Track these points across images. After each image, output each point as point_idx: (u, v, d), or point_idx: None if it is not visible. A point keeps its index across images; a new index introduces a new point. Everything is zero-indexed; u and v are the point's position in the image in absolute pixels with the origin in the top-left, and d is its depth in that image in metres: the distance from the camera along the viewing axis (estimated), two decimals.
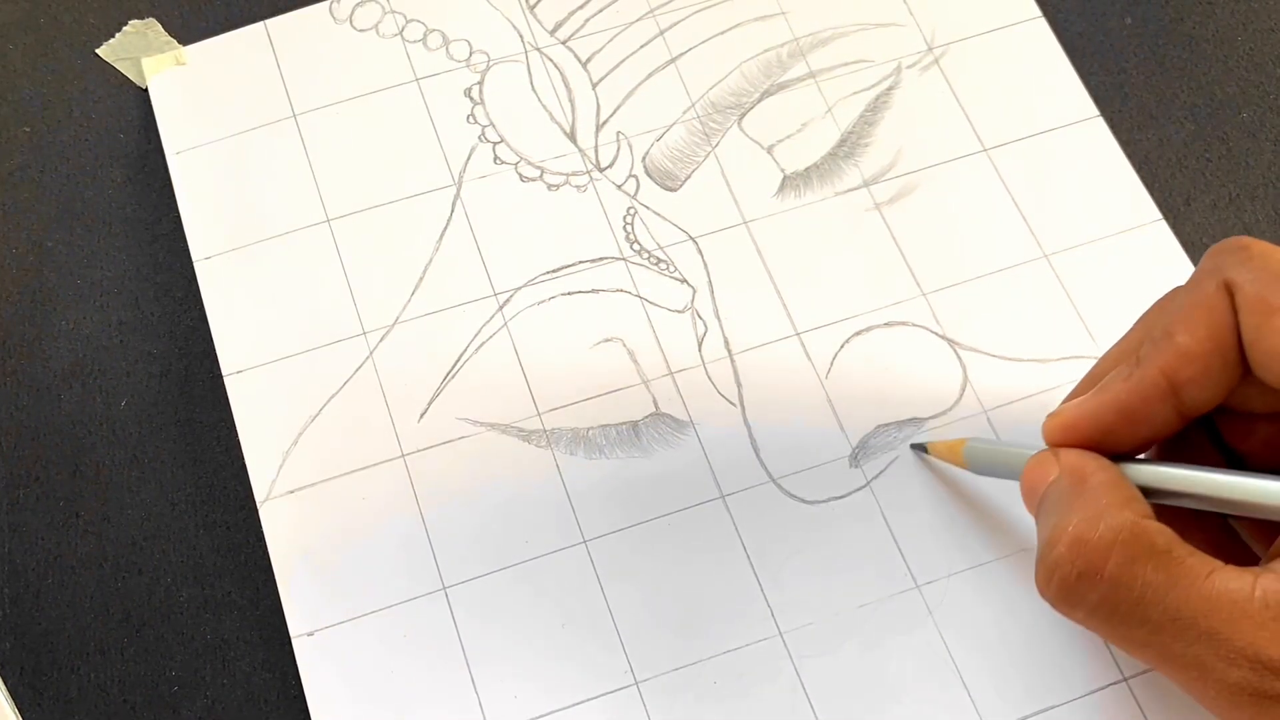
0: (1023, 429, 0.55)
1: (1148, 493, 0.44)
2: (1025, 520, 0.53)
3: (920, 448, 0.54)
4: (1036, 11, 0.63)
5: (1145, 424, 0.44)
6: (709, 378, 0.56)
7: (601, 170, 0.60)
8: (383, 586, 0.53)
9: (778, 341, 0.57)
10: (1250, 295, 0.42)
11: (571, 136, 0.61)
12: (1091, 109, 0.61)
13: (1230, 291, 0.43)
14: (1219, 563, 0.41)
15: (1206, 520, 0.47)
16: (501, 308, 0.57)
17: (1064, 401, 0.47)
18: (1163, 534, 0.41)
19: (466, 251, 0.58)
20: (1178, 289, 0.46)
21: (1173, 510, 0.44)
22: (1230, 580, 0.40)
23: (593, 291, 0.58)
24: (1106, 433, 0.45)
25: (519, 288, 0.58)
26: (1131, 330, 0.48)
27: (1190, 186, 0.60)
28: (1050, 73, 0.62)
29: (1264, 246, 0.43)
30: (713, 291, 0.58)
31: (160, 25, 0.63)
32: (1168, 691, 0.51)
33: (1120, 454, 0.45)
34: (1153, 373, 0.44)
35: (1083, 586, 0.41)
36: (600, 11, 0.63)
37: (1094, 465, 0.44)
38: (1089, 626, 0.43)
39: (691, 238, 0.59)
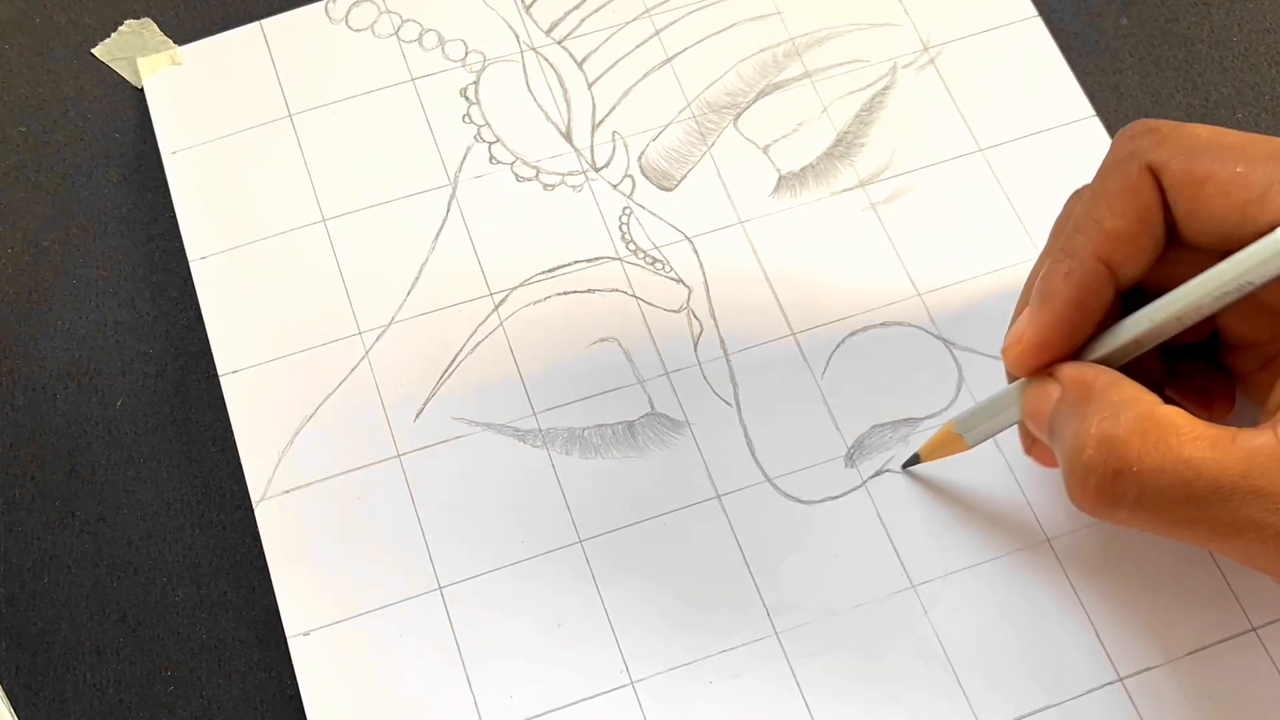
0: (1013, 428, 0.55)
1: (1130, 354, 0.46)
2: (1020, 519, 0.53)
3: (912, 462, 0.54)
4: (1032, 11, 0.63)
5: (1095, 310, 0.46)
6: (704, 377, 0.56)
7: (597, 170, 0.60)
8: (379, 586, 0.53)
9: (773, 341, 0.57)
10: (1178, 172, 0.44)
11: (567, 136, 0.61)
12: (1087, 109, 0.61)
13: (1154, 172, 0.45)
14: (1235, 429, 0.42)
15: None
16: (497, 307, 0.57)
17: (1011, 326, 0.48)
18: (1179, 414, 0.42)
19: (462, 251, 0.58)
20: (1087, 186, 0.48)
21: None
22: (1254, 439, 0.41)
23: (588, 291, 0.58)
24: (1068, 333, 0.46)
25: (515, 287, 0.58)
26: (1048, 244, 0.50)
27: None
28: (1046, 73, 0.62)
29: (1172, 125, 0.46)
30: (708, 291, 0.58)
31: (156, 25, 0.63)
32: (1163, 691, 0.51)
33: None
34: (1090, 262, 0.46)
35: (1121, 483, 0.42)
36: (596, 11, 0.63)
37: (1093, 371, 0.45)
38: (1132, 524, 0.43)
39: (687, 237, 0.59)
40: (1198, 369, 0.51)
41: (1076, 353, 0.47)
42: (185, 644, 0.53)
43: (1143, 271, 0.46)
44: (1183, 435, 0.42)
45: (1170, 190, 0.45)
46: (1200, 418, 0.42)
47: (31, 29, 0.64)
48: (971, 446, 0.52)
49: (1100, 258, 0.45)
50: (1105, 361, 0.46)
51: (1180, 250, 0.46)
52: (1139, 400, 0.43)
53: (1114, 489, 0.42)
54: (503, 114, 0.61)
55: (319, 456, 0.55)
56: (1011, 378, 0.49)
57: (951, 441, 0.52)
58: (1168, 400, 0.43)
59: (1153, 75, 0.63)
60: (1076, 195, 0.50)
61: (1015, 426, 0.50)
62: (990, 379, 0.56)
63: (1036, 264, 0.50)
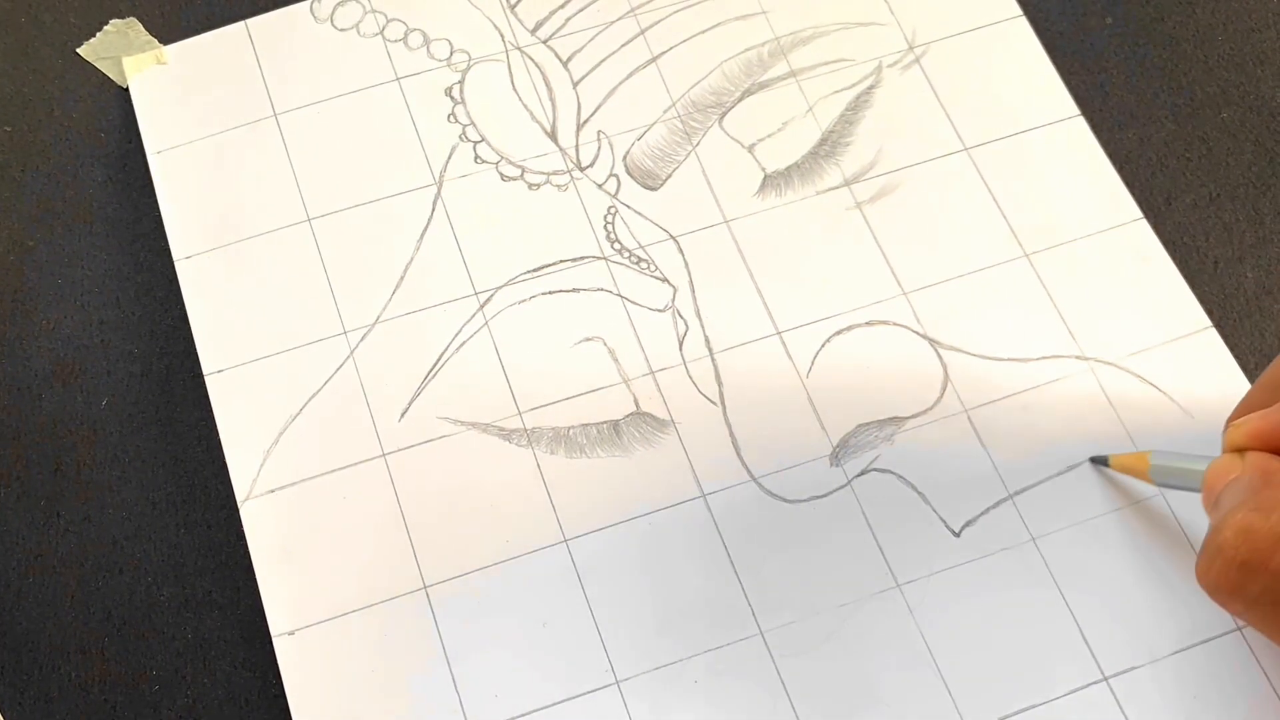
0: (1007, 428, 0.55)
1: None
2: (1005, 520, 0.53)
3: (1101, 461, 0.54)
4: (1017, 11, 0.63)
5: None
6: (690, 377, 0.56)
7: (582, 169, 0.60)
8: (363, 585, 0.53)
9: (759, 340, 0.57)
10: None
11: (552, 136, 0.61)
12: (1072, 108, 0.61)
13: None
14: None
15: None
16: (482, 307, 0.57)
17: (1238, 410, 0.47)
18: None
19: (447, 251, 0.58)
20: None
21: None
22: None
23: (573, 290, 0.58)
24: None
25: (500, 287, 0.58)
26: None
27: (1171, 185, 0.60)
28: (1031, 72, 0.62)
29: None
30: (693, 290, 0.58)
31: (141, 25, 0.63)
32: (1147, 690, 0.51)
33: None
34: None
35: (1244, 576, 0.41)
36: (581, 11, 0.63)
37: (1279, 464, 0.44)
38: (1246, 619, 0.42)
39: (672, 237, 0.59)
40: None
41: None
42: (170, 643, 0.53)
43: None
44: None
45: None
46: None
47: (16, 28, 0.64)
48: (1154, 482, 0.51)
49: None
50: None
51: None
52: None
53: (1235, 580, 0.41)
54: (488, 113, 0.61)
55: (304, 456, 0.55)
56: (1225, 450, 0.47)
57: (1140, 468, 0.51)
58: None
59: (1138, 74, 0.63)
60: None
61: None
62: (975, 378, 0.56)
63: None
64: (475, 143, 0.61)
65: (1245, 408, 0.48)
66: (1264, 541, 0.41)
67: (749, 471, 0.55)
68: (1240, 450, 0.45)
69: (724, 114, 0.61)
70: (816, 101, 0.61)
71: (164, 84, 0.62)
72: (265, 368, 0.56)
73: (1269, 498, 0.42)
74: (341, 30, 0.63)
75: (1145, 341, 0.56)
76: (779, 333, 0.57)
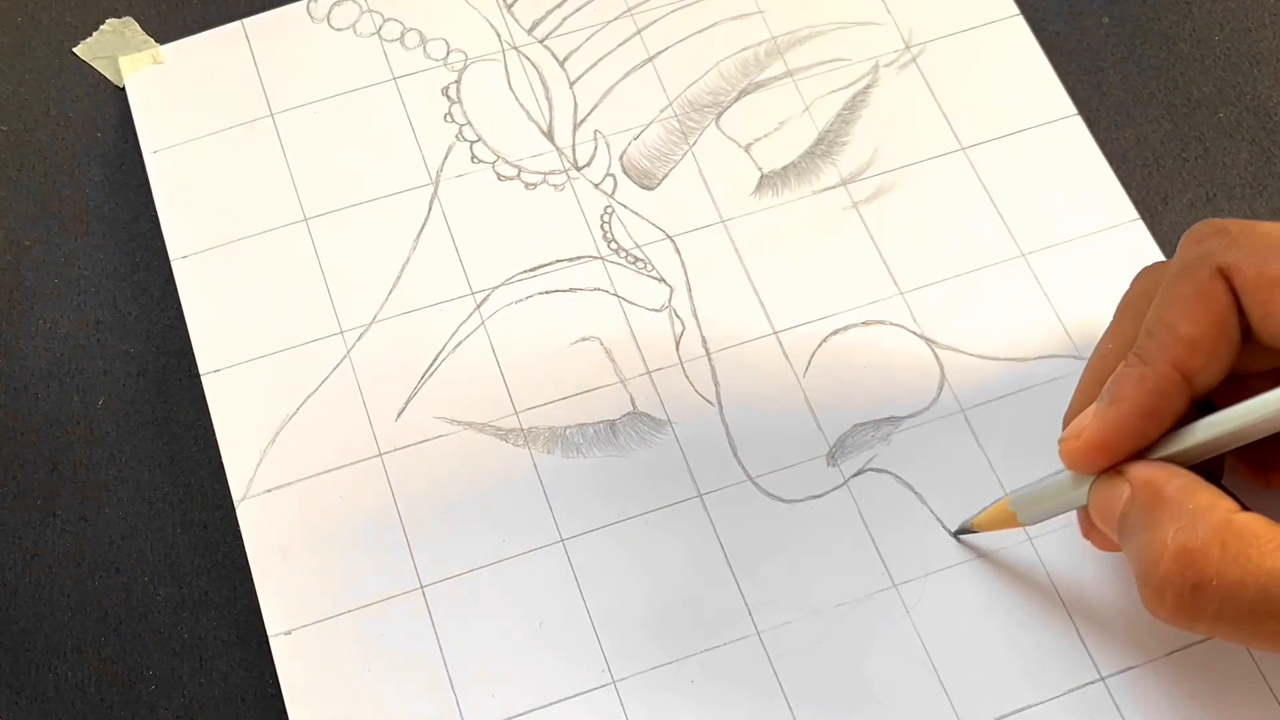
0: (1002, 427, 0.55)
1: (1201, 456, 0.44)
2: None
3: (964, 531, 0.53)
4: (1014, 10, 0.63)
5: (1165, 418, 0.45)
6: (686, 376, 0.56)
7: (579, 169, 0.60)
8: (360, 585, 0.53)
9: (755, 340, 0.57)
10: (1250, 275, 0.43)
11: (549, 135, 0.61)
12: (1069, 107, 0.61)
13: (1226, 275, 0.44)
14: None
15: None
16: (479, 306, 0.57)
17: (1070, 416, 0.47)
18: (1258, 521, 0.41)
19: (444, 250, 0.58)
20: (1155, 265, 0.48)
21: None
22: None
23: (570, 290, 0.58)
24: (1134, 439, 0.45)
25: (496, 286, 0.58)
26: (1114, 328, 0.48)
27: (1167, 185, 0.60)
28: (1028, 71, 0.62)
29: (1241, 225, 0.44)
30: (690, 290, 0.58)
31: (137, 24, 0.63)
32: (1144, 691, 0.51)
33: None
34: (1165, 369, 0.44)
35: (1200, 597, 0.41)
36: (578, 10, 0.63)
37: (1164, 473, 0.43)
38: (1213, 634, 0.42)
39: (669, 236, 0.59)
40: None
41: (1142, 451, 0.45)
42: (167, 643, 0.53)
43: (1219, 378, 0.45)
44: (1264, 546, 0.40)
45: (1243, 294, 0.44)
46: (1259, 487, 0.42)
47: (13, 28, 0.64)
48: (1026, 525, 0.51)
49: (1176, 365, 0.44)
50: (1173, 460, 0.44)
51: (1255, 347, 0.45)
52: (1215, 508, 0.41)
53: (1193, 603, 0.41)
54: (484, 113, 0.61)
55: (300, 456, 0.55)
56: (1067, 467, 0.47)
57: (1006, 518, 0.51)
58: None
59: (1134, 74, 0.63)
60: (1144, 273, 0.49)
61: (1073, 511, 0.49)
62: (971, 378, 0.56)
63: (1099, 345, 0.49)
64: (472, 142, 0.61)
65: (1074, 408, 0.49)
66: (1203, 558, 0.41)
67: (745, 471, 0.55)
68: (1094, 467, 0.46)
69: (721, 113, 0.61)
70: (813, 101, 0.61)
71: (160, 83, 0.62)
72: (262, 367, 0.56)
73: (1183, 511, 0.42)
74: (338, 30, 0.63)
75: None
76: (775, 332, 0.57)
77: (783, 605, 0.52)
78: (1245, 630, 0.41)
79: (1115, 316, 0.49)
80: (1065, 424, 0.48)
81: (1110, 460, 0.45)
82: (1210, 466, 0.46)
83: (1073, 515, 0.50)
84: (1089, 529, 0.49)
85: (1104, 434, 0.45)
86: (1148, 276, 0.49)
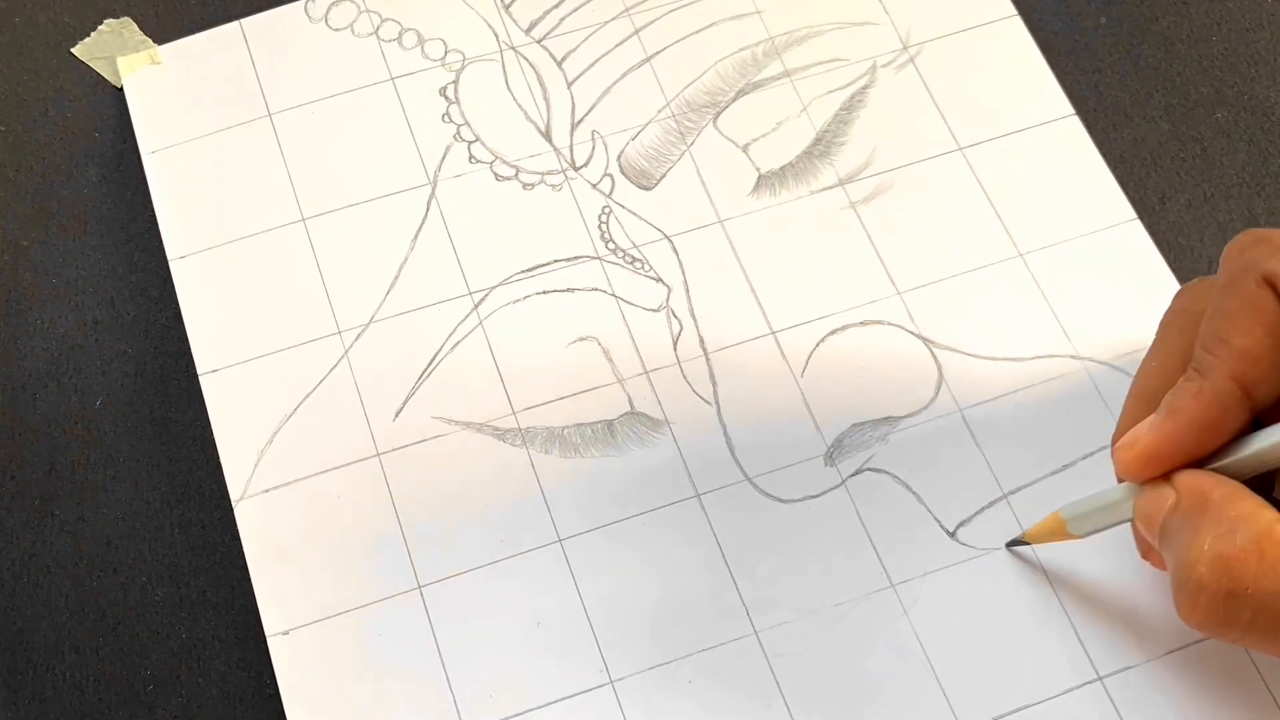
0: (1000, 427, 0.55)
1: (1252, 469, 0.44)
2: (999, 518, 0.53)
3: (1016, 543, 0.53)
4: (1012, 10, 0.63)
5: (1223, 432, 0.44)
6: (684, 376, 0.56)
7: (576, 169, 0.60)
8: (358, 585, 0.53)
9: (753, 340, 0.57)
10: None
11: (547, 135, 0.61)
12: (1067, 108, 0.61)
13: (1272, 284, 0.43)
14: None
15: None
16: (476, 306, 0.57)
17: (1119, 434, 0.47)
18: None
19: (441, 250, 0.58)
20: (1197, 282, 0.47)
21: None
22: None
23: (568, 290, 0.58)
24: (1190, 450, 0.44)
25: (494, 286, 0.58)
26: (1157, 344, 0.48)
27: (1165, 185, 0.60)
28: (1025, 72, 0.62)
29: None
30: (688, 290, 0.58)
31: (135, 24, 0.63)
32: (1142, 690, 0.51)
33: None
34: (1224, 382, 0.44)
35: (1233, 605, 0.40)
36: (575, 10, 0.63)
37: (1210, 482, 0.43)
38: (1244, 644, 0.42)
39: (667, 236, 0.59)
40: None
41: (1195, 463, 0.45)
42: (165, 643, 0.53)
43: (1279, 390, 0.44)
44: None
45: None
46: None
47: (10, 28, 0.64)
48: (1079, 537, 0.50)
49: (1235, 378, 0.44)
50: (1224, 472, 0.44)
51: None
52: (1257, 517, 0.41)
53: (1227, 610, 0.40)
54: (482, 113, 0.61)
55: (298, 456, 0.55)
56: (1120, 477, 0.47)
57: (1058, 530, 0.51)
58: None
59: (1132, 74, 0.63)
60: (1185, 291, 0.48)
61: (1128, 525, 0.48)
62: (969, 378, 0.56)
63: (1144, 363, 0.49)
64: (470, 142, 0.61)
65: (1125, 424, 0.48)
66: (1240, 565, 0.40)
67: (743, 471, 0.55)
68: (1145, 477, 0.45)
69: (718, 114, 0.61)
70: (811, 101, 0.61)
71: (158, 84, 0.62)
72: (260, 367, 0.56)
73: (1224, 519, 0.41)
74: (336, 30, 0.63)
75: (1139, 342, 0.56)
76: (773, 332, 0.57)
77: (780, 605, 0.52)
78: (1277, 642, 0.41)
79: (1158, 334, 0.48)
80: (1114, 441, 0.47)
81: (1161, 470, 0.45)
82: (1264, 482, 0.45)
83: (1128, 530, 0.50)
84: (1147, 549, 0.49)
85: (1159, 444, 0.44)
86: (1188, 294, 0.48)
